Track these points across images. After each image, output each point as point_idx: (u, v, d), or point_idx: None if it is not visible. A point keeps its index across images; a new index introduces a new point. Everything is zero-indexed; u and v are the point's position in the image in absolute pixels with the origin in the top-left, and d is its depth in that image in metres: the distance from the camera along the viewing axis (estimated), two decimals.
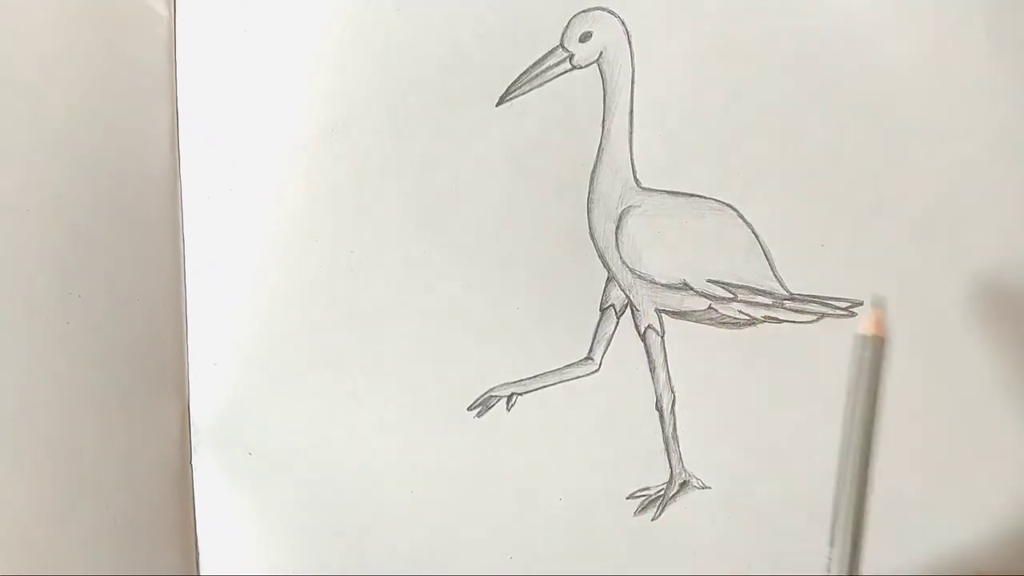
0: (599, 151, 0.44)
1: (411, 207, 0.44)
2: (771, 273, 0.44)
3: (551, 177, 0.44)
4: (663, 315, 0.44)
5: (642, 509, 0.45)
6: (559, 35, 0.44)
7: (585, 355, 0.45)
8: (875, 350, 0.36)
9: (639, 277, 0.44)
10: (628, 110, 0.44)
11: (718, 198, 0.44)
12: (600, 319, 0.45)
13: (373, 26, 0.44)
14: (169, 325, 0.45)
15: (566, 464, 0.45)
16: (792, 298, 0.44)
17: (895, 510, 0.44)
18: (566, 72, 0.44)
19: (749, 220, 0.44)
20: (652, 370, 0.45)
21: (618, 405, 0.45)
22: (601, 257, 0.44)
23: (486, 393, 0.45)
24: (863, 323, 0.38)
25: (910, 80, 0.44)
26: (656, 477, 0.45)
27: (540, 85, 0.44)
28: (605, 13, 0.44)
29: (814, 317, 0.44)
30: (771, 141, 0.44)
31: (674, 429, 0.44)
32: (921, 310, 0.44)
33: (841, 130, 0.44)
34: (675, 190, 0.44)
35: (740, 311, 0.44)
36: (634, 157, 0.44)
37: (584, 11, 0.44)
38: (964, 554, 0.43)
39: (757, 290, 0.44)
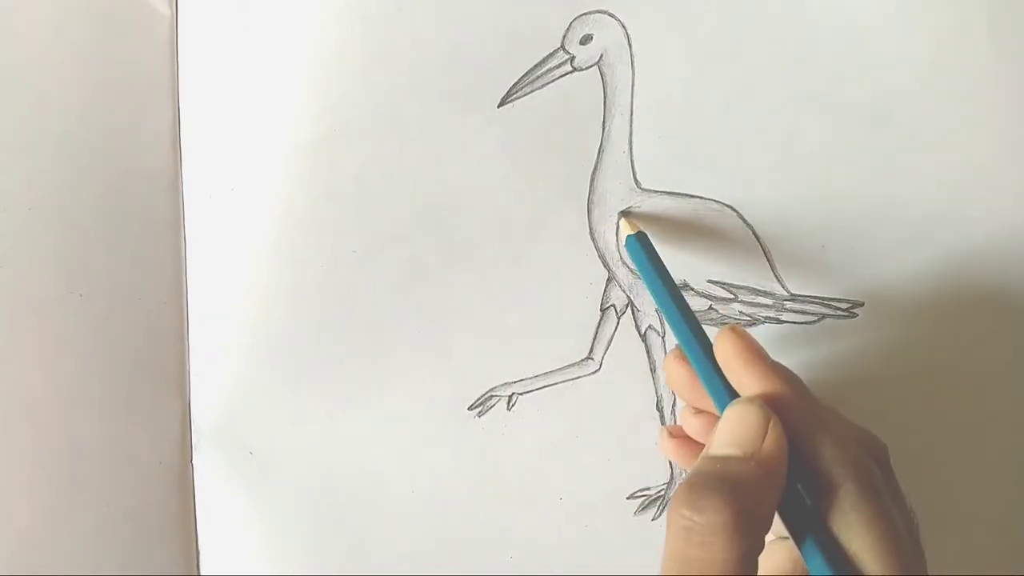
0: (599, 152, 0.44)
1: (412, 207, 0.44)
2: (771, 274, 0.44)
3: (552, 178, 0.44)
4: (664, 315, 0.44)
5: (642, 509, 0.45)
6: (560, 37, 0.44)
7: (586, 355, 0.45)
8: (644, 243, 0.42)
9: (639, 278, 0.44)
10: (628, 111, 0.44)
11: (718, 199, 0.44)
12: (600, 319, 0.45)
13: (375, 26, 0.44)
14: (170, 324, 0.45)
15: (566, 464, 0.45)
16: (793, 299, 0.44)
17: None
18: (567, 74, 0.44)
19: (749, 221, 0.44)
20: (652, 370, 0.45)
21: (618, 405, 0.45)
22: (601, 257, 0.44)
23: (486, 393, 0.45)
24: (625, 228, 0.43)
25: (911, 81, 0.44)
26: (656, 477, 0.45)
27: (541, 87, 0.44)
28: (606, 16, 0.44)
29: (815, 318, 0.44)
30: (771, 142, 0.44)
31: None
32: (921, 311, 0.44)
33: (842, 131, 0.44)
34: (675, 191, 0.44)
35: (741, 312, 0.44)
36: (634, 158, 0.44)
37: (585, 14, 0.44)
38: (964, 555, 0.43)
39: (758, 291, 0.44)
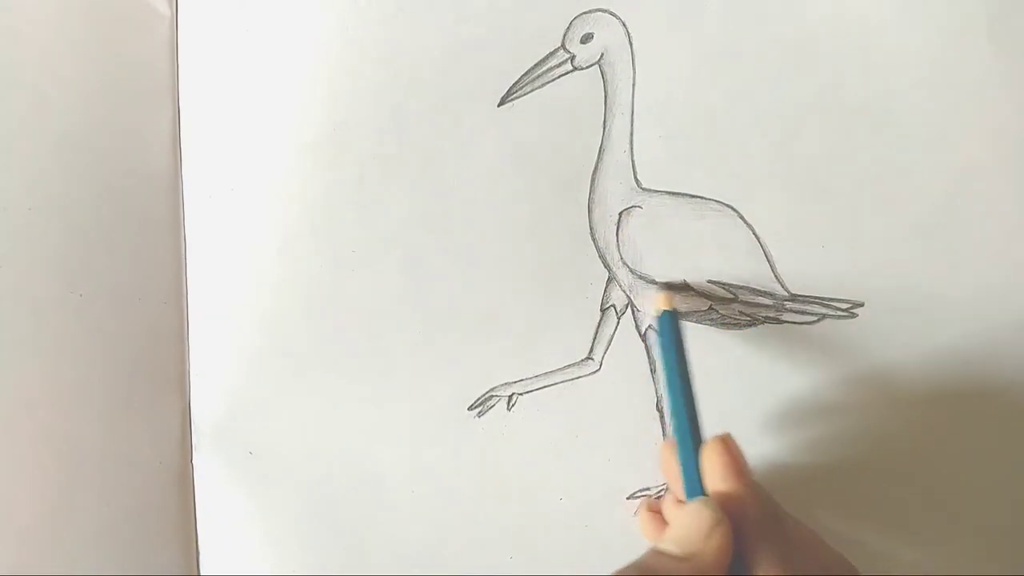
0: (600, 152, 0.44)
1: (412, 207, 0.44)
2: (772, 274, 0.44)
3: (552, 177, 0.44)
4: None
5: None
6: (560, 36, 0.44)
7: (586, 355, 0.45)
8: (675, 321, 0.42)
9: (640, 278, 0.44)
10: (629, 111, 0.44)
11: (719, 199, 0.44)
12: (601, 319, 0.45)
13: (375, 26, 0.44)
14: (170, 324, 0.45)
15: (566, 464, 0.45)
16: (793, 299, 0.44)
17: (894, 506, 0.44)
18: (567, 73, 0.44)
19: (750, 221, 0.44)
20: (652, 371, 0.45)
21: (618, 405, 0.45)
22: (602, 257, 0.44)
23: (487, 393, 0.45)
24: (661, 301, 0.42)
25: (911, 82, 0.44)
26: (656, 477, 0.45)
27: (541, 86, 0.44)
28: (606, 15, 0.44)
29: (815, 318, 0.44)
30: (772, 142, 0.44)
31: None
32: (921, 311, 0.44)
33: (842, 131, 0.44)
34: (676, 191, 0.44)
35: (741, 312, 0.44)
36: (635, 158, 0.44)
37: (585, 12, 0.44)
38: (963, 554, 0.43)
39: (758, 291, 0.44)
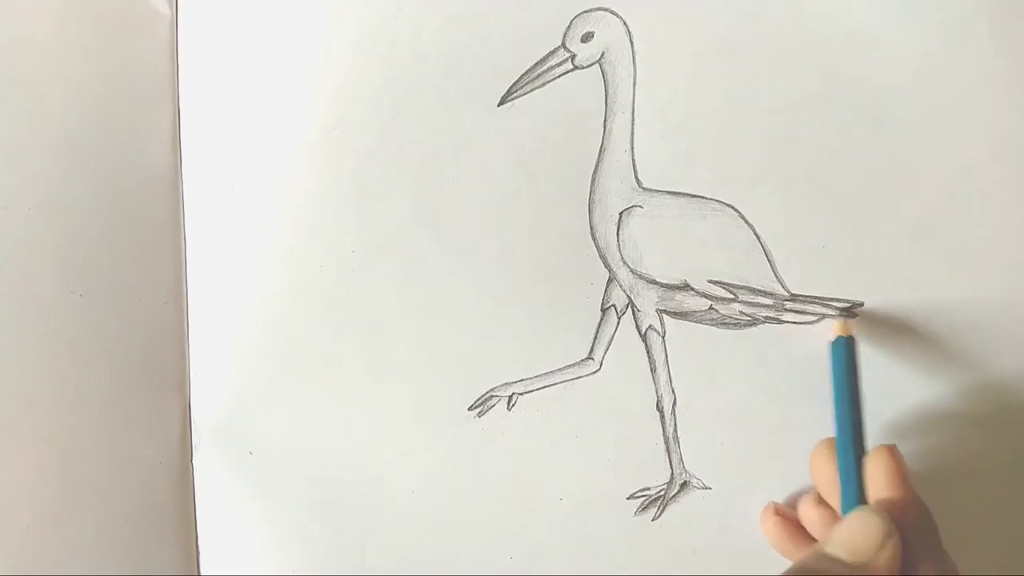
0: (600, 151, 0.44)
1: (413, 207, 0.45)
2: (772, 274, 0.44)
3: (552, 177, 0.44)
4: (664, 315, 0.44)
5: (643, 509, 0.45)
6: (561, 35, 0.44)
7: (586, 355, 0.45)
8: (851, 350, 0.41)
9: (640, 277, 0.44)
10: (630, 110, 0.44)
11: (719, 198, 0.44)
12: (601, 319, 0.45)
13: (375, 26, 0.44)
14: (170, 324, 0.45)
15: (566, 464, 0.45)
16: (793, 299, 0.44)
17: None
18: (568, 72, 0.44)
19: (750, 221, 0.44)
20: (653, 370, 0.45)
21: (619, 405, 0.45)
22: (602, 257, 0.44)
23: (487, 393, 0.45)
24: (839, 328, 0.42)
25: (912, 81, 0.44)
26: (657, 477, 0.45)
27: (542, 85, 0.44)
28: (607, 13, 0.44)
29: (815, 318, 0.44)
30: (772, 142, 0.44)
31: (675, 429, 0.44)
32: (921, 311, 0.44)
33: (843, 131, 0.44)
34: (677, 190, 0.44)
35: (741, 311, 0.44)
36: (636, 157, 0.44)
37: (586, 11, 0.44)
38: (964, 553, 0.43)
39: (758, 291, 0.44)
